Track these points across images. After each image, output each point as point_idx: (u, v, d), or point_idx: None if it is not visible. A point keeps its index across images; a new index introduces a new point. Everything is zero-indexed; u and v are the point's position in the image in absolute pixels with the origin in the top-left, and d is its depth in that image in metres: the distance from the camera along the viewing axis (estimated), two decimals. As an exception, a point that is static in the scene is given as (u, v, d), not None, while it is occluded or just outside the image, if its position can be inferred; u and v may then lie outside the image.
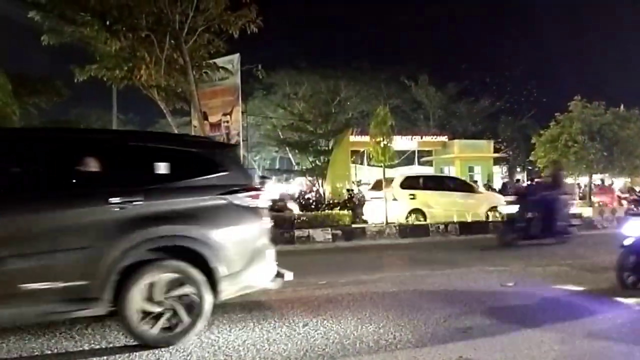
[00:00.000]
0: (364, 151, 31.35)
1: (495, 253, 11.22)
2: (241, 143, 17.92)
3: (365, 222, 16.71)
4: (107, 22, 13.50)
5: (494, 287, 7.37)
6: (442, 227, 15.40)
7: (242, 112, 19.11)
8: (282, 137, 38.06)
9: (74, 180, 4.93)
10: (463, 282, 7.72)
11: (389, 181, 17.12)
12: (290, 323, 5.51)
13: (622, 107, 21.01)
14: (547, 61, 46.20)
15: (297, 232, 13.76)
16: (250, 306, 6.26)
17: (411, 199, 16.79)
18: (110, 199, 4.67)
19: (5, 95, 11.30)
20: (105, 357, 4.53)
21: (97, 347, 4.81)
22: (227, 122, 17.57)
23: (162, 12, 13.90)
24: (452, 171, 31.47)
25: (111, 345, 4.84)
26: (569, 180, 21.42)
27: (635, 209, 9.76)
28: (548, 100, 34.98)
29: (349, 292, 7.05)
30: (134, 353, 4.57)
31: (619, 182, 28.46)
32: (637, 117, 19.91)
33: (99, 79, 14.70)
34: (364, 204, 18.13)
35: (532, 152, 21.86)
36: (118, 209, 4.68)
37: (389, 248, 12.74)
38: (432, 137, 33.80)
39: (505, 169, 39.67)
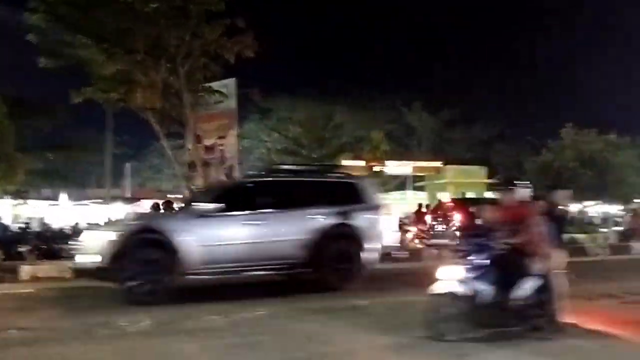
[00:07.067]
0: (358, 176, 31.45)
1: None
2: (236, 167, 17.94)
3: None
4: (104, 46, 13.62)
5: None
6: (436, 252, 15.31)
7: (237, 136, 19.14)
8: (276, 160, 38.14)
9: None
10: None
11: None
12: (285, 349, 5.47)
13: (613, 134, 21.23)
14: (540, 89, 46.76)
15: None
16: (244, 328, 6.23)
17: None
18: None
19: (0, 116, 11.32)
20: None
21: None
22: (222, 145, 17.58)
23: (159, 37, 14.04)
24: (445, 197, 31.54)
25: None
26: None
27: None
28: (541, 127, 35.31)
29: (344, 317, 7.01)
30: None
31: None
32: (628, 145, 20.11)
33: (95, 101, 14.75)
34: None
35: (525, 179, 22.01)
36: None
37: (382, 272, 12.63)
38: (425, 162, 33.96)
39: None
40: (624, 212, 24.79)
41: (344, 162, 30.07)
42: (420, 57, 55.64)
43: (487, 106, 40.80)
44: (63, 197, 27.23)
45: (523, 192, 6.23)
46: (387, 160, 25.76)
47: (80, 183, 36.16)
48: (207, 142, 17.52)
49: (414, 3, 67.70)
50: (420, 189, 35.35)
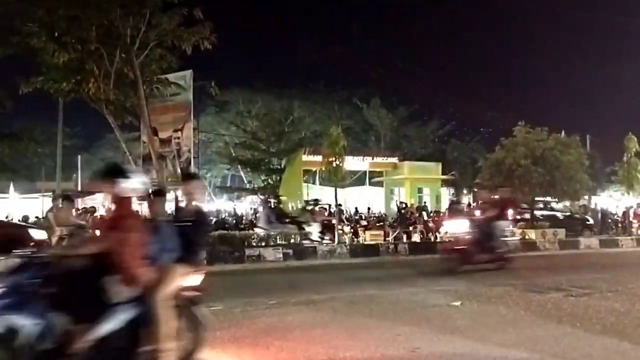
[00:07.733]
0: (316, 171, 31.47)
1: (442, 273, 11.38)
2: (192, 160, 17.71)
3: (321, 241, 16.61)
4: (56, 34, 13.17)
5: (442, 306, 7.47)
6: (392, 247, 15.55)
7: (194, 129, 18.87)
8: (234, 154, 37.79)
9: None
10: (412, 302, 7.79)
11: None
12: (239, 343, 5.41)
13: (563, 133, 21.92)
14: (494, 87, 47.93)
15: (247, 251, 13.61)
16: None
17: None
18: None
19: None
20: None
21: None
22: (178, 138, 17.36)
23: (113, 25, 13.67)
24: (402, 192, 31.93)
25: None
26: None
27: None
28: (494, 125, 36.15)
29: (300, 312, 6.99)
30: None
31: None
32: (577, 143, 20.77)
33: (45, 91, 14.26)
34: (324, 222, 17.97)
35: (479, 175, 22.44)
36: None
37: (340, 268, 12.74)
38: (383, 158, 34.29)
39: (452, 190, 40.60)
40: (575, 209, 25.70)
41: (303, 157, 30.20)
42: (378, 54, 56.16)
43: (443, 103, 41.52)
44: (11, 189, 26.34)
45: (131, 184, 3.78)
46: (345, 155, 25.85)
47: (29, 176, 35.05)
48: (163, 134, 17.26)
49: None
50: (378, 184, 35.69)
